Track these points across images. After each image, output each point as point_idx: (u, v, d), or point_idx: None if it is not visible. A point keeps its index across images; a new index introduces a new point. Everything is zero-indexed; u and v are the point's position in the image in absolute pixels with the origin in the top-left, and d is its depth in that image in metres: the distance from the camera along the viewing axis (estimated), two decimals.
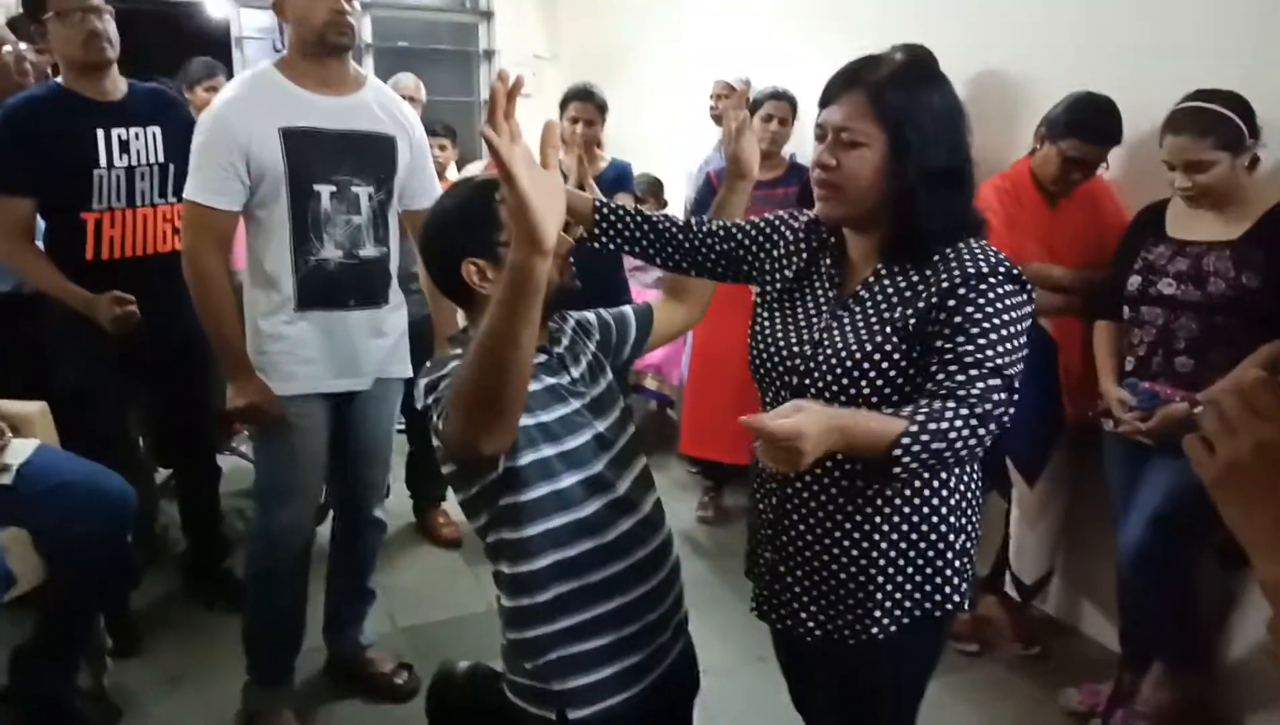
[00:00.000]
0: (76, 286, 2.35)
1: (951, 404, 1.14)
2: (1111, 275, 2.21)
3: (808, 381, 1.33)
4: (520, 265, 1.00)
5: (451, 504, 3.32)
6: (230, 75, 3.67)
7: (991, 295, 1.21)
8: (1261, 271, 1.93)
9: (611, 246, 1.54)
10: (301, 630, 2.30)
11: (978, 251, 1.25)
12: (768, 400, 1.45)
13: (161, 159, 2.48)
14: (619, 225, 1.53)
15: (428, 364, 1.34)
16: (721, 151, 3.60)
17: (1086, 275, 2.37)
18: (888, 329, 1.27)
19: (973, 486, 1.39)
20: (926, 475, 1.31)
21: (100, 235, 2.41)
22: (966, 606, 1.40)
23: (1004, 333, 1.20)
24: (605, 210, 1.52)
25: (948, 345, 1.20)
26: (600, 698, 1.36)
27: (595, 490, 1.35)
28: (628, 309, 1.59)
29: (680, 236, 1.52)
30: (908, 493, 1.32)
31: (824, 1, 3.55)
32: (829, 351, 1.31)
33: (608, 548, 1.35)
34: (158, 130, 2.47)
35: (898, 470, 1.11)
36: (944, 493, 1.33)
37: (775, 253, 1.49)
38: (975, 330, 1.19)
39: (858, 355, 1.28)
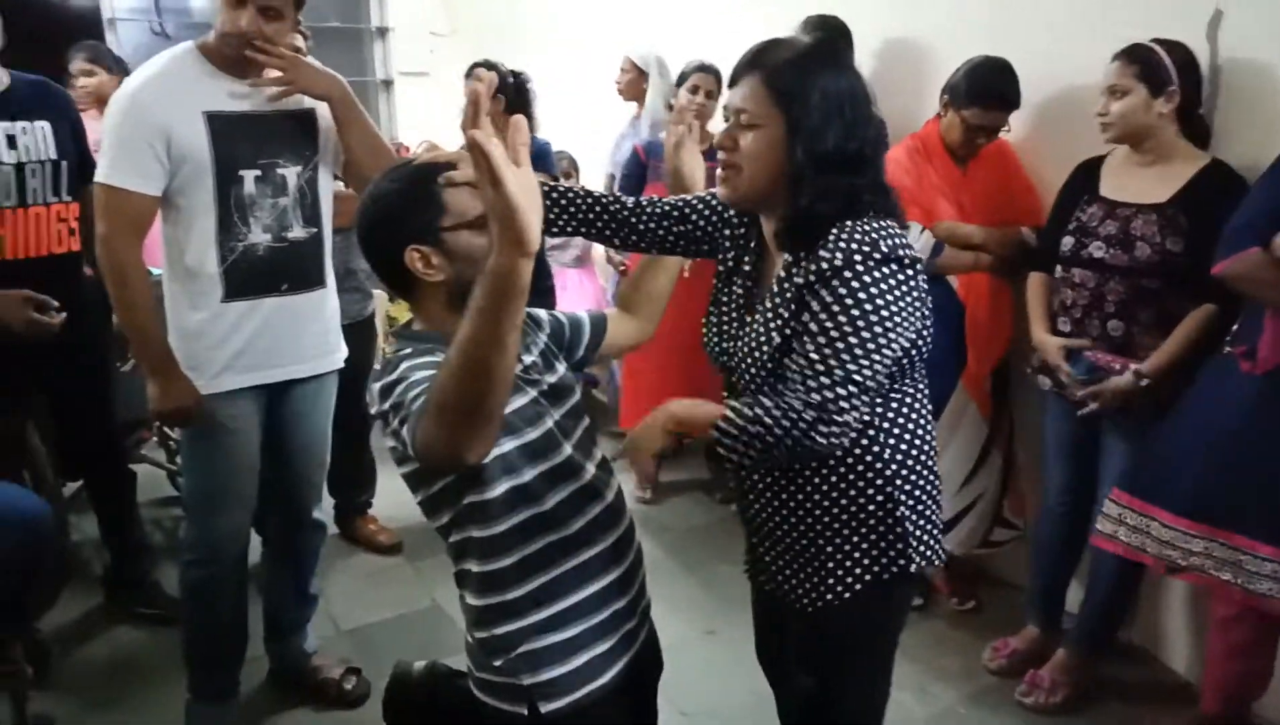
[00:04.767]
0: None
1: (783, 390, 1.24)
2: (1048, 230, 2.28)
3: (735, 376, 1.39)
4: (505, 269, 0.95)
5: (381, 508, 3.20)
6: (114, 61, 3.45)
7: (855, 283, 1.22)
8: (1186, 236, 1.99)
9: (568, 230, 1.51)
10: (245, 641, 2.22)
11: (857, 234, 1.24)
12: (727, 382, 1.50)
13: (54, 155, 2.32)
14: (571, 209, 1.50)
15: (377, 367, 1.30)
16: (638, 127, 3.60)
17: (997, 233, 2.45)
18: (786, 331, 1.30)
19: (923, 447, 1.40)
20: (865, 442, 1.33)
21: None
22: (936, 564, 1.43)
23: (862, 311, 1.21)
24: (555, 194, 1.50)
25: (811, 326, 1.24)
26: (572, 689, 1.35)
27: (559, 479, 1.33)
28: (583, 314, 1.56)
29: (633, 219, 1.51)
30: (850, 460, 1.35)
31: None
32: (744, 349, 1.36)
33: (574, 538, 1.34)
34: (47, 126, 2.31)
35: (721, 450, 1.25)
36: (885, 456, 1.36)
37: (726, 232, 1.50)
38: (829, 321, 1.22)
39: (765, 354, 1.32)
